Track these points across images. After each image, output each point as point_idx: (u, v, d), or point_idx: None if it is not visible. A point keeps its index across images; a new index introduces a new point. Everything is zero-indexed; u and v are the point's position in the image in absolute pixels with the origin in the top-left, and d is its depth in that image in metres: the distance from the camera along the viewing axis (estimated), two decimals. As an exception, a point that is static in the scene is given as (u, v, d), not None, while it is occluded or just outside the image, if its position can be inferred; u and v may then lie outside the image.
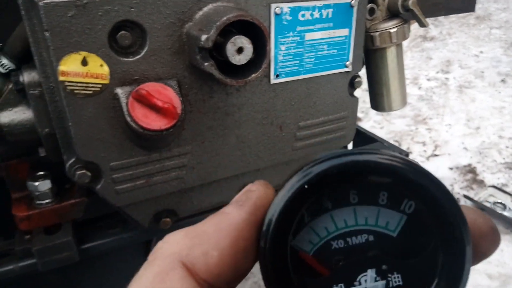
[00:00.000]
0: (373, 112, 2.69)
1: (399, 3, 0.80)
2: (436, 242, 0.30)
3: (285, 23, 0.69)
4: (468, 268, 0.29)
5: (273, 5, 0.66)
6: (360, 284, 0.30)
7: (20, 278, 0.73)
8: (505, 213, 1.83)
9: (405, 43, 0.87)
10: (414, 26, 0.86)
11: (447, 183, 2.09)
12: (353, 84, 0.81)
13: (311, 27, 0.71)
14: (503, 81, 3.08)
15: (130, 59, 0.60)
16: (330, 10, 0.71)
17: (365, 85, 0.84)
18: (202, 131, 0.70)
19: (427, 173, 0.29)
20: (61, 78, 0.57)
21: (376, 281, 0.30)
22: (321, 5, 0.70)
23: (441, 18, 4.12)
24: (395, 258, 0.30)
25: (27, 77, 0.64)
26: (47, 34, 0.55)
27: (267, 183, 0.32)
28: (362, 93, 0.83)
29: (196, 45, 0.58)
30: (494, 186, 2.01)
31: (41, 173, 0.75)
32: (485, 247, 0.30)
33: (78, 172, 0.63)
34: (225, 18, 0.56)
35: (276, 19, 0.68)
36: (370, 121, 2.69)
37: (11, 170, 0.77)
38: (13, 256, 0.74)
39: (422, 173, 0.29)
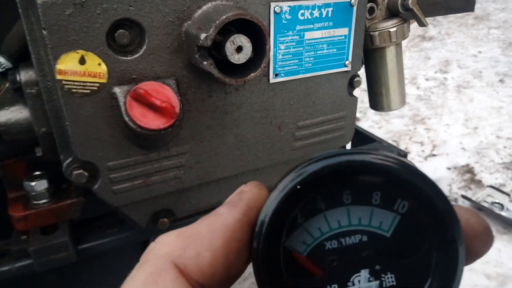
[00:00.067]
0: (371, 112, 2.69)
1: (399, 2, 0.80)
2: (430, 242, 0.30)
3: (285, 22, 0.68)
4: (462, 267, 0.29)
5: (272, 4, 0.66)
6: (353, 284, 0.30)
7: (17, 278, 0.73)
8: (503, 213, 1.83)
9: (403, 43, 0.87)
10: (413, 26, 0.86)
11: (445, 183, 2.09)
12: (352, 83, 0.81)
13: (311, 26, 0.71)
14: (501, 81, 3.08)
15: (128, 58, 0.60)
16: (330, 9, 0.71)
17: (363, 85, 0.84)
18: (201, 130, 0.69)
19: (420, 173, 0.29)
20: (58, 77, 0.56)
21: (369, 281, 0.30)
22: (320, 4, 0.70)
23: (439, 18, 4.13)
24: (389, 258, 0.30)
25: (24, 76, 0.63)
26: (44, 32, 0.54)
27: (260, 184, 0.32)
28: (360, 93, 0.82)
29: (195, 43, 0.58)
30: (492, 186, 2.01)
31: (37, 173, 0.74)
32: (478, 246, 0.30)
33: (75, 172, 0.63)
34: (224, 16, 0.56)
35: (276, 18, 0.67)
36: (368, 121, 2.69)
37: (8, 170, 0.76)
38: (9, 257, 0.74)
39: (415, 173, 0.29)
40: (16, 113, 0.66)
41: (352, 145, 1.11)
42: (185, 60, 0.63)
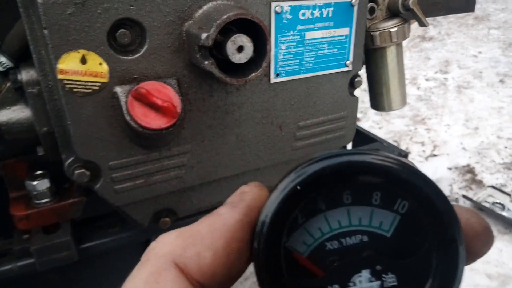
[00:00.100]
0: (372, 112, 2.69)
1: (399, 2, 0.80)
2: (430, 242, 0.30)
3: (286, 22, 0.68)
4: (462, 267, 0.29)
5: (273, 4, 0.66)
6: (354, 284, 0.30)
7: (18, 277, 0.73)
8: (504, 213, 1.83)
9: (403, 43, 0.87)
10: (413, 26, 0.86)
11: (446, 183, 2.09)
12: (353, 83, 0.81)
13: (312, 26, 0.71)
14: (501, 81, 3.08)
15: (130, 58, 0.60)
16: (331, 9, 0.71)
17: (363, 85, 0.84)
18: (202, 130, 0.69)
19: (420, 173, 0.29)
20: (59, 76, 0.56)
21: (370, 281, 0.30)
22: (321, 4, 0.70)
23: (439, 18, 4.13)
24: (390, 258, 0.30)
25: (25, 75, 0.63)
26: (45, 32, 0.54)
27: (261, 184, 0.32)
28: (360, 93, 0.83)
29: (196, 43, 0.58)
30: (493, 186, 2.01)
31: (39, 172, 0.74)
32: (478, 246, 0.30)
33: (77, 171, 0.63)
34: (225, 16, 0.56)
35: (277, 17, 0.67)
36: (369, 121, 2.69)
37: (9, 169, 0.76)
38: (11, 256, 0.74)
39: (415, 173, 0.29)
40: (17, 113, 0.66)
41: (353, 145, 1.11)
42: (186, 60, 0.63)
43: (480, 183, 2.08)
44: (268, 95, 0.73)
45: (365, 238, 0.31)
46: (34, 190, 0.73)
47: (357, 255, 0.30)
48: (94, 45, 0.57)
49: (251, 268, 0.30)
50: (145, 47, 0.60)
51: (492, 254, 1.58)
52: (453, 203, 0.28)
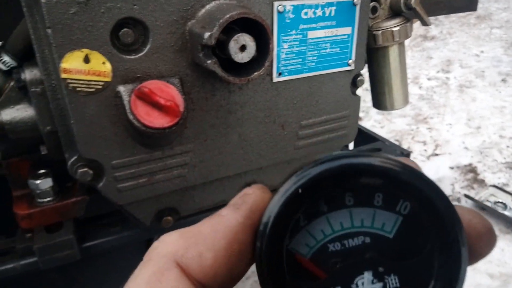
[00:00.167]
0: (373, 111, 2.68)
1: (402, 1, 0.80)
2: (432, 243, 0.30)
3: (288, 21, 0.68)
4: (465, 268, 0.29)
5: (276, 3, 0.66)
6: (357, 286, 0.30)
7: (21, 276, 0.73)
8: (506, 213, 1.83)
9: (405, 43, 0.87)
10: (415, 26, 0.86)
11: (447, 183, 2.09)
12: (355, 82, 0.81)
13: (314, 25, 0.71)
14: (503, 80, 3.07)
15: (133, 57, 0.60)
16: (333, 8, 0.71)
17: (365, 84, 0.84)
18: (205, 129, 0.69)
19: (420, 175, 0.29)
20: (63, 75, 0.56)
21: (373, 283, 0.30)
22: (324, 3, 0.70)
23: (441, 17, 4.12)
24: (392, 259, 0.30)
25: (29, 74, 0.64)
26: (49, 31, 0.54)
27: (264, 187, 0.32)
28: (362, 92, 0.83)
29: (199, 42, 0.58)
30: (495, 186, 2.01)
31: (42, 171, 0.75)
32: (481, 247, 0.30)
33: (80, 170, 0.63)
34: (228, 15, 0.56)
35: (279, 17, 0.67)
36: (371, 120, 2.68)
37: (13, 168, 0.77)
38: (14, 254, 0.74)
39: (415, 175, 0.29)
40: (21, 112, 0.66)
41: (355, 145, 1.11)
42: (189, 59, 0.64)
43: (482, 183, 2.08)
44: (271, 94, 0.73)
45: (368, 240, 0.31)
46: (37, 189, 0.74)
47: (359, 256, 0.30)
48: (97, 44, 0.57)
49: (252, 267, 0.30)
50: (148, 46, 0.60)
51: (494, 253, 1.58)
52: (455, 202, 0.28)
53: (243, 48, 0.58)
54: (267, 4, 0.66)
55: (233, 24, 0.57)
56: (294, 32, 0.70)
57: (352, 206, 0.30)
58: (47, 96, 0.62)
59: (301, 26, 0.70)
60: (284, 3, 0.67)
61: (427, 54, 3.61)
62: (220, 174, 0.75)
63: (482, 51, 3.57)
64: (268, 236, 0.29)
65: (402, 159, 0.32)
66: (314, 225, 0.30)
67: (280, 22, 0.68)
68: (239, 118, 0.72)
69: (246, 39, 0.58)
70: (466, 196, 1.96)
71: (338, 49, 0.75)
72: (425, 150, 2.37)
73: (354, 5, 0.73)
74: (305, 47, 0.72)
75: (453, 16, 4.11)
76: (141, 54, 0.60)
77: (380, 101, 0.90)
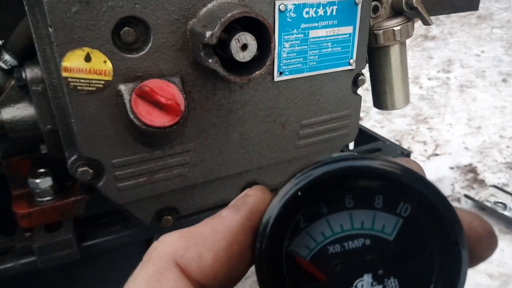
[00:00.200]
0: (374, 111, 2.68)
1: (403, 1, 0.80)
2: (432, 245, 0.30)
3: (289, 20, 0.68)
4: (465, 271, 0.29)
5: (277, 2, 0.66)
6: None
7: (20, 275, 0.73)
8: (506, 213, 1.83)
9: (406, 42, 0.87)
10: (415, 25, 0.86)
11: (447, 183, 2.09)
12: (356, 82, 0.81)
13: (315, 24, 0.71)
14: (504, 80, 3.07)
15: (134, 56, 0.60)
16: (335, 7, 0.71)
17: (365, 84, 0.84)
18: (205, 128, 0.69)
19: (421, 178, 0.29)
20: (64, 74, 0.56)
21: (372, 286, 0.30)
22: (325, 2, 0.70)
23: (442, 17, 4.12)
24: (392, 262, 0.30)
25: (30, 73, 0.63)
26: (50, 30, 0.54)
27: (265, 188, 0.32)
28: (362, 92, 0.82)
29: (200, 41, 0.58)
30: (495, 186, 2.01)
31: (42, 170, 0.75)
32: (481, 250, 0.30)
33: (80, 169, 0.63)
34: (229, 14, 0.56)
35: (280, 16, 0.67)
36: (371, 120, 2.68)
37: (13, 167, 0.76)
38: (13, 254, 0.74)
39: (416, 178, 0.29)
40: (21, 111, 0.66)
41: (355, 144, 1.11)
42: (190, 58, 0.63)
43: (482, 183, 2.08)
44: (272, 94, 0.73)
45: (368, 242, 0.30)
46: (36, 188, 0.73)
47: (359, 259, 0.30)
48: (99, 43, 0.57)
49: (252, 268, 0.30)
50: (149, 45, 0.60)
51: (494, 253, 1.58)
52: (455, 202, 0.28)
53: (244, 47, 0.58)
54: (269, 3, 0.66)
55: (235, 23, 0.57)
56: (295, 31, 0.70)
57: (352, 208, 0.30)
58: (47, 95, 0.62)
59: (303, 25, 0.70)
60: (285, 2, 0.67)
61: (428, 54, 3.61)
62: (221, 173, 0.75)
63: (482, 51, 3.57)
64: (267, 238, 0.29)
65: (404, 160, 0.31)
66: (314, 227, 0.30)
67: (281, 21, 0.68)
68: (240, 117, 0.72)
69: (247, 38, 0.58)
70: (466, 196, 1.96)
71: (339, 48, 0.75)
72: (425, 150, 2.37)
73: (356, 4, 0.73)
74: (306, 46, 0.72)
75: (454, 16, 4.11)
76: (142, 53, 0.60)
77: (381, 101, 0.89)
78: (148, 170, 0.67)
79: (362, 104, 0.86)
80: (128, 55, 0.59)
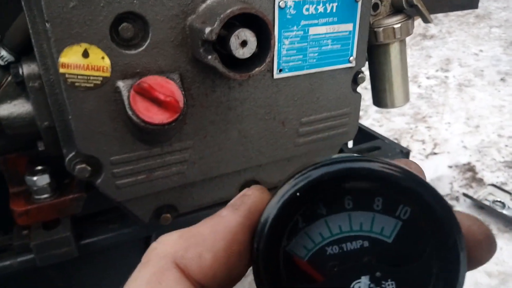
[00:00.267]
0: (372, 110, 2.68)
1: (403, -2, 0.79)
2: (431, 248, 0.30)
3: (289, 17, 0.68)
4: (463, 275, 0.28)
5: (277, -1, 0.66)
6: None
7: (18, 273, 0.72)
8: (504, 212, 1.83)
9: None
10: (414, 24, 0.86)
11: (446, 182, 2.09)
12: (356, 80, 0.80)
13: (315, 21, 0.70)
14: (502, 79, 3.08)
15: (132, 52, 0.59)
16: (335, 4, 0.71)
17: (364, 82, 0.83)
18: (204, 125, 0.69)
19: (421, 181, 0.29)
20: (61, 70, 0.56)
21: None
22: (325, 0, 0.69)
23: (440, 16, 4.12)
24: (390, 264, 0.30)
25: (27, 69, 0.63)
26: (47, 25, 0.54)
27: (264, 188, 0.32)
28: (361, 91, 0.82)
29: (199, 38, 0.57)
30: (493, 185, 2.01)
31: (39, 167, 0.74)
32: (480, 254, 0.30)
33: (78, 166, 0.62)
34: (229, 10, 0.55)
35: (280, 12, 0.67)
36: (369, 119, 2.68)
37: (10, 164, 0.76)
38: (11, 251, 0.73)
39: (416, 180, 0.28)
40: (18, 107, 0.65)
41: (354, 143, 1.10)
42: (189, 55, 0.63)
43: (480, 182, 2.08)
44: (271, 91, 0.72)
45: (366, 244, 0.30)
46: (34, 186, 0.73)
47: (357, 260, 0.30)
48: (97, 38, 0.56)
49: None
50: (148, 41, 0.60)
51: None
52: (453, 201, 0.28)
53: (244, 43, 0.57)
54: (268, -1, 0.65)
55: (234, 19, 0.56)
56: (295, 28, 0.69)
57: (351, 209, 0.30)
58: (45, 91, 0.62)
59: (303, 22, 0.69)
60: (285, -2, 0.66)
61: (426, 53, 3.61)
62: (220, 171, 0.74)
63: (481, 50, 3.57)
64: (265, 237, 0.29)
65: (404, 161, 0.31)
66: (312, 227, 0.30)
67: (281, 18, 0.67)
68: (239, 115, 0.71)
69: (247, 34, 0.57)
70: (465, 195, 1.96)
71: (339, 45, 0.75)
72: (424, 149, 2.37)
73: (356, 1, 0.73)
74: (306, 44, 0.71)
75: (452, 15, 4.11)
76: (141, 49, 0.60)
77: (380, 99, 0.89)
78: (147, 168, 0.67)
79: (361, 103, 0.86)
80: (127, 51, 0.59)
